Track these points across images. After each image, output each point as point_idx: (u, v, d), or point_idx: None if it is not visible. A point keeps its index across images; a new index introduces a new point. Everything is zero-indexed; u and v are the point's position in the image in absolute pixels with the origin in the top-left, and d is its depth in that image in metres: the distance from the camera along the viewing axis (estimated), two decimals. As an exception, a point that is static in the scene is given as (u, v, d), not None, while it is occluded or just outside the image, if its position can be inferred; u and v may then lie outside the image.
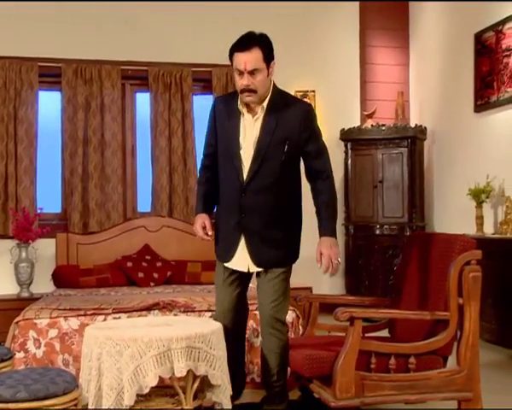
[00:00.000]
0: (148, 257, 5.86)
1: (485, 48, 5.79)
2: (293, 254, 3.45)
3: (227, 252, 3.45)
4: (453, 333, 3.34)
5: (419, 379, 3.29)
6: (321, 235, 3.37)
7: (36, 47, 6.35)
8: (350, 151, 6.72)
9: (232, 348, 3.42)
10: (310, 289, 6.15)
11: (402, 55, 7.18)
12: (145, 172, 6.83)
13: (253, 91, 3.23)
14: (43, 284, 6.00)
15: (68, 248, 5.97)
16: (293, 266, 6.70)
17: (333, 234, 3.36)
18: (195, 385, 3.26)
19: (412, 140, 6.44)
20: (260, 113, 3.32)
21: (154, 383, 3.09)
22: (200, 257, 6.02)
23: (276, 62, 6.85)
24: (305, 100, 3.51)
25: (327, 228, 3.32)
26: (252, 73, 3.21)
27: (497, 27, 5.59)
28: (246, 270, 3.43)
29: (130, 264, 5.74)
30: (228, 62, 6.88)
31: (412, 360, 3.28)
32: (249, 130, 3.34)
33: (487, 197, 5.47)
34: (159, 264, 5.82)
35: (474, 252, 3.37)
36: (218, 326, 3.38)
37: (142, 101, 6.89)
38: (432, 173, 6.77)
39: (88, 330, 3.32)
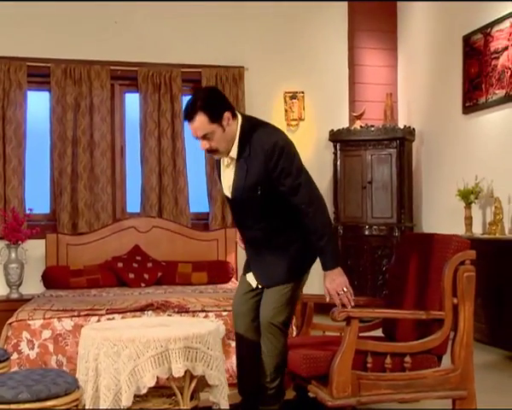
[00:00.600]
0: (138, 258, 5.85)
1: (473, 50, 5.85)
2: (294, 272, 3.37)
3: (246, 267, 3.58)
4: (448, 332, 3.37)
5: (414, 378, 3.31)
6: (323, 270, 3.27)
7: (24, 47, 6.33)
8: (339, 152, 6.75)
9: (246, 352, 3.47)
10: (300, 289, 6.16)
11: (390, 56, 7.23)
12: (134, 173, 6.82)
13: (215, 151, 3.25)
14: (33, 285, 5.97)
15: (58, 249, 5.95)
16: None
17: (332, 265, 3.23)
18: (192, 385, 3.26)
19: (401, 141, 6.49)
20: (231, 161, 3.32)
21: (152, 383, 3.09)
22: (190, 258, 6.04)
23: (266, 64, 6.95)
24: (275, 133, 3.30)
25: (324, 262, 3.24)
26: (204, 137, 3.20)
27: (486, 30, 5.65)
28: (255, 286, 3.48)
29: (120, 264, 5.72)
30: (217, 63, 6.97)
31: (408, 359, 3.31)
32: (227, 177, 3.38)
33: (476, 198, 5.53)
34: (149, 264, 5.82)
35: (468, 252, 3.40)
36: (214, 327, 3.39)
37: (131, 101, 6.88)
38: (420, 174, 6.82)
39: (84, 331, 3.32)
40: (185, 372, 3.16)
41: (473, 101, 5.85)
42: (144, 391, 3.10)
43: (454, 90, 6.14)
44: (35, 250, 6.04)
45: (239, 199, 3.33)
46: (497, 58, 5.50)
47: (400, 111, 7.11)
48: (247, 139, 3.23)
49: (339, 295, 3.22)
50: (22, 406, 2.33)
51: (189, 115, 3.19)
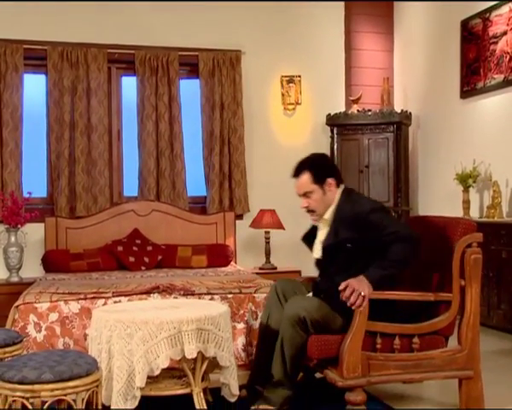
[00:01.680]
0: (138, 241, 5.86)
1: (471, 35, 5.88)
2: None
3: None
4: (455, 313, 3.42)
5: (422, 359, 3.37)
6: (364, 274, 3.29)
7: (21, 29, 6.27)
8: (336, 136, 6.78)
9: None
10: (299, 272, 6.21)
11: (386, 41, 7.25)
12: (131, 157, 6.80)
13: (312, 211, 3.53)
14: (32, 269, 5.97)
15: (57, 233, 5.94)
16: (283, 250, 6.79)
17: (372, 278, 3.24)
18: (204, 367, 3.30)
19: (398, 125, 6.53)
20: (324, 226, 3.53)
21: (166, 364, 3.13)
22: (189, 241, 6.06)
23: (263, 48, 6.94)
24: (370, 201, 3.56)
25: (371, 271, 3.26)
26: (305, 195, 3.49)
27: (485, 15, 5.69)
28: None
29: (120, 248, 5.73)
30: (214, 47, 6.96)
31: (416, 340, 3.36)
32: (320, 238, 3.60)
33: (474, 182, 5.58)
34: (149, 248, 5.83)
35: (475, 235, 3.45)
36: (225, 309, 3.43)
37: (128, 85, 6.85)
38: (416, 158, 6.87)
39: (96, 313, 3.34)
40: (197, 354, 3.20)
41: (471, 85, 5.89)
42: (157, 372, 3.14)
43: (451, 75, 6.18)
44: (33, 234, 6.03)
45: (328, 250, 3.46)
46: (496, 43, 5.54)
47: (396, 95, 7.14)
48: (344, 204, 3.44)
49: (353, 292, 3.21)
50: (46, 386, 2.34)
51: (296, 172, 3.53)
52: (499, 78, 5.49)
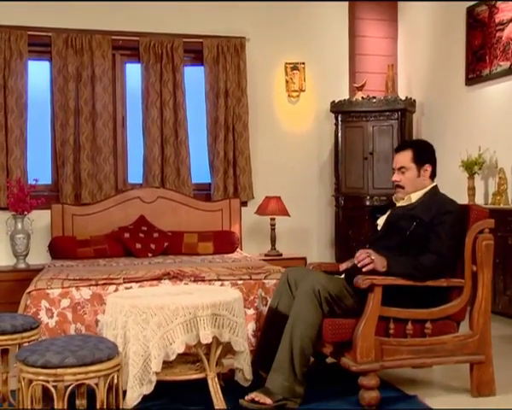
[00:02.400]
0: (144, 228, 5.87)
1: (477, 22, 5.88)
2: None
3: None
4: (467, 299, 3.45)
5: (435, 343, 3.41)
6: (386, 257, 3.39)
7: (25, 16, 6.24)
8: (340, 123, 6.78)
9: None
10: (304, 259, 6.24)
11: (391, 28, 7.24)
12: (135, 144, 6.80)
13: (401, 187, 3.65)
14: (38, 256, 5.99)
15: (63, 220, 5.95)
16: (287, 237, 6.82)
17: (392, 264, 3.35)
18: (218, 352, 3.32)
19: (402, 112, 6.54)
20: (406, 201, 3.66)
21: (182, 349, 3.16)
22: (195, 228, 6.07)
23: (267, 34, 6.94)
24: (454, 202, 3.65)
25: (395, 259, 3.37)
26: (400, 170, 3.63)
27: (490, 1, 5.69)
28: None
29: (127, 235, 5.74)
30: (219, 34, 6.96)
31: (428, 325, 3.40)
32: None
33: (480, 169, 5.60)
34: (155, 235, 5.84)
35: (487, 221, 3.49)
36: (238, 295, 3.45)
37: (132, 72, 6.84)
38: (420, 145, 6.87)
39: (111, 298, 3.36)
40: (212, 339, 3.22)
41: (476, 72, 5.90)
42: (173, 357, 3.17)
43: (456, 62, 6.18)
44: (39, 221, 6.04)
45: (392, 221, 3.59)
46: (502, 30, 5.54)
47: (400, 83, 7.14)
48: (431, 197, 3.60)
49: (366, 257, 3.33)
50: (68, 370, 2.36)
51: (401, 147, 3.77)
52: (505, 65, 5.50)
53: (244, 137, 6.81)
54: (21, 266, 5.79)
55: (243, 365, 3.41)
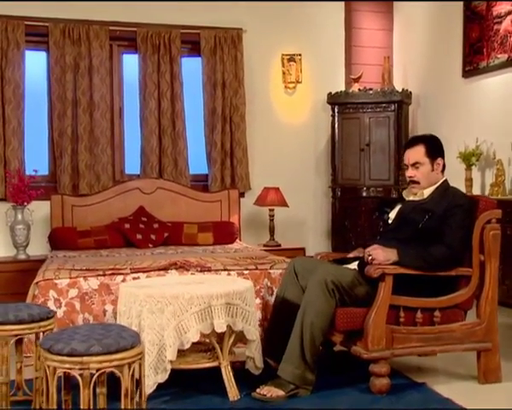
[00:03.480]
0: (144, 219, 5.88)
1: (474, 14, 5.93)
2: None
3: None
4: (475, 288, 3.51)
5: (443, 331, 3.47)
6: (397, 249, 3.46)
7: (22, 6, 6.20)
8: (337, 115, 6.82)
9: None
10: (303, 249, 6.29)
11: (386, 20, 7.28)
12: (132, 135, 6.80)
13: (417, 183, 3.66)
14: (37, 246, 5.98)
15: (63, 211, 5.94)
16: (284, 227, 6.86)
17: (402, 256, 3.41)
18: (231, 340, 3.36)
19: (399, 104, 6.58)
20: (418, 196, 3.69)
21: (196, 338, 3.19)
22: (194, 219, 6.09)
23: (264, 26, 6.96)
24: (467, 198, 3.72)
25: (405, 250, 3.43)
26: (414, 165, 3.63)
27: (488, -6, 5.74)
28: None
29: (127, 226, 5.75)
30: (216, 25, 6.96)
31: (437, 313, 3.45)
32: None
33: (477, 160, 5.67)
34: (155, 225, 5.85)
35: (494, 211, 3.55)
36: (250, 284, 3.48)
37: (129, 62, 6.82)
38: (416, 137, 6.94)
39: (124, 288, 3.38)
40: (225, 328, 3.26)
41: (473, 65, 5.95)
42: (187, 346, 3.20)
43: (453, 54, 6.23)
44: (38, 212, 6.02)
45: (403, 215, 3.64)
46: (500, 23, 5.60)
47: (396, 74, 7.17)
48: (442, 192, 3.63)
49: (374, 253, 3.37)
50: (94, 358, 2.38)
51: (411, 142, 3.74)
52: (503, 57, 5.56)
53: (241, 128, 6.83)
54: (22, 256, 5.78)
55: (254, 353, 3.45)
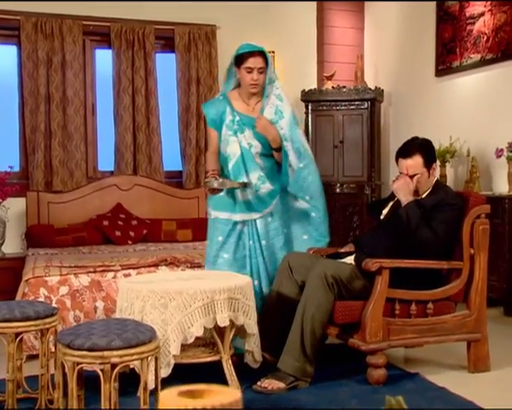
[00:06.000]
0: (122, 216, 5.86)
1: (447, 15, 6.08)
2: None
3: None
4: (465, 280, 3.62)
5: (436, 323, 3.57)
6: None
7: (-7, -2, 6.10)
8: (311, 112, 6.89)
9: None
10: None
11: (357, 18, 7.39)
12: (105, 131, 6.74)
13: (416, 191, 3.69)
14: (12, 244, 5.88)
15: (39, 208, 5.86)
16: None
17: (409, 205, 3.59)
18: (231, 335, 3.39)
19: (372, 102, 6.70)
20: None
21: (200, 333, 3.20)
22: (173, 215, 6.08)
23: (237, 23, 6.96)
24: (459, 198, 3.75)
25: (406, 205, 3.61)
26: (413, 176, 3.66)
27: (461, -4, 5.89)
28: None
29: (106, 223, 5.72)
30: (190, 21, 6.91)
31: (430, 305, 3.55)
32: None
33: (451, 157, 5.82)
34: (134, 222, 5.83)
35: (483, 206, 3.66)
36: (249, 279, 3.51)
37: (102, 57, 6.76)
38: (387, 134, 7.08)
39: (124, 284, 3.37)
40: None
41: (446, 64, 6.10)
42: (191, 341, 3.21)
43: (426, 54, 6.37)
44: (12, 209, 5.92)
45: (396, 210, 3.69)
46: (473, 23, 5.75)
47: (367, 72, 7.28)
48: (437, 191, 3.69)
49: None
50: (115, 352, 2.39)
51: (409, 152, 3.69)
52: (476, 57, 5.71)
53: (216, 125, 6.83)
54: (-3, 254, 5.68)
55: (253, 347, 3.48)
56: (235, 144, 3.86)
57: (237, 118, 3.88)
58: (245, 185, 3.81)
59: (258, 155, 3.90)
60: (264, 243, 3.89)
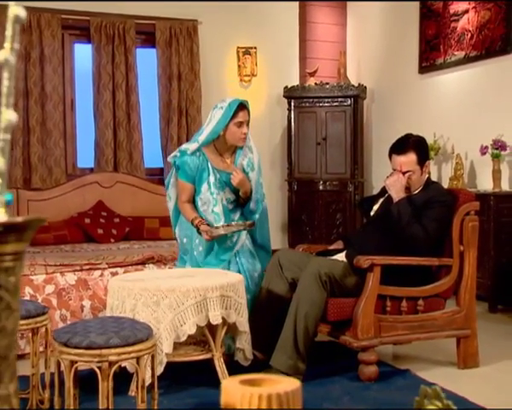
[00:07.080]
0: (104, 213, 5.78)
1: (431, 12, 6.10)
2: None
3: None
4: (455, 277, 3.63)
5: (426, 319, 3.58)
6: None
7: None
8: (293, 108, 6.87)
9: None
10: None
11: (340, 14, 7.39)
12: (84, 127, 6.65)
13: (408, 188, 3.71)
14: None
15: (18, 205, 5.75)
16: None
17: (402, 201, 3.62)
18: (223, 333, 3.35)
19: (355, 99, 6.70)
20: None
21: (193, 331, 3.17)
22: (155, 213, 6.01)
23: (219, 18, 6.91)
24: (449, 195, 3.77)
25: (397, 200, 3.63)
26: (405, 173, 3.68)
27: (444, -7, 5.91)
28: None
29: (87, 220, 5.63)
30: (172, 16, 6.86)
31: (421, 302, 3.55)
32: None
33: (435, 154, 5.84)
34: (116, 220, 5.76)
35: (473, 203, 3.67)
36: (241, 277, 3.48)
37: (81, 52, 6.67)
38: (370, 131, 7.09)
39: (115, 282, 3.32)
40: (219, 320, 3.25)
41: (430, 61, 6.12)
42: (184, 339, 3.18)
43: (409, 51, 6.38)
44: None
45: (387, 206, 3.72)
46: (457, 21, 5.77)
47: (349, 69, 7.28)
48: (428, 189, 3.72)
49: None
50: (113, 350, 2.34)
51: (403, 149, 3.70)
52: (460, 54, 5.74)
53: (197, 121, 6.78)
54: (-24, 252, 5.55)
55: (244, 345, 3.45)
56: (220, 203, 3.84)
57: (218, 176, 3.84)
58: (251, 225, 3.80)
59: (231, 205, 3.92)
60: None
